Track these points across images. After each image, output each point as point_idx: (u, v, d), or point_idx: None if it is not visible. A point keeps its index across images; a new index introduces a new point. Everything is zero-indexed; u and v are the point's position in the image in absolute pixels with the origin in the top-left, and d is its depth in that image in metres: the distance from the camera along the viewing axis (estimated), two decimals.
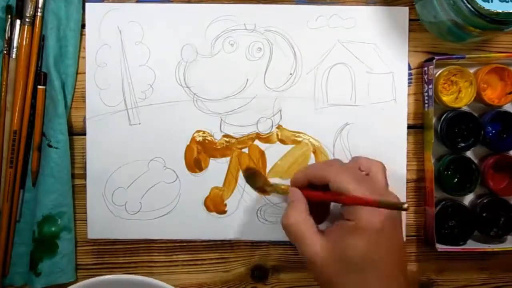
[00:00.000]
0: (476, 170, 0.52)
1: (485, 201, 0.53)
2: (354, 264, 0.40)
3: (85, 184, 0.54)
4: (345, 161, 0.51)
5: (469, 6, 0.44)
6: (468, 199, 0.55)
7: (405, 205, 0.37)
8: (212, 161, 0.54)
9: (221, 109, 0.54)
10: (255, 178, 0.51)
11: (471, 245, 0.53)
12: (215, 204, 0.54)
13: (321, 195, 0.44)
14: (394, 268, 0.42)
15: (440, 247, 0.52)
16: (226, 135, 0.54)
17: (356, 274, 0.40)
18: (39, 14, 0.52)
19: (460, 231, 0.53)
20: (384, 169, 0.47)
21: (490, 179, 0.53)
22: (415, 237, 0.55)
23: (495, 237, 0.53)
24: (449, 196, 0.54)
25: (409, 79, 0.54)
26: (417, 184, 0.55)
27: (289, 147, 0.54)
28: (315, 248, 0.41)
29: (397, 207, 0.39)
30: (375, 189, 0.43)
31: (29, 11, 0.52)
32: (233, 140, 0.54)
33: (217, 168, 0.54)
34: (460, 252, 0.54)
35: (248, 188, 0.53)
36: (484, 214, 0.53)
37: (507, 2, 0.43)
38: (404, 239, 0.54)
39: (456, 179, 0.54)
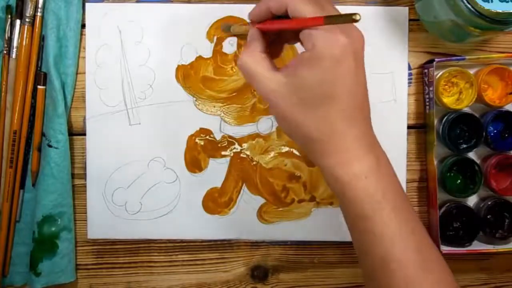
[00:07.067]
0: (479, 171, 0.52)
1: (489, 203, 0.53)
2: (310, 97, 0.36)
3: (85, 184, 0.54)
4: None
5: (469, 6, 0.44)
6: (472, 201, 0.55)
7: (357, 16, 0.32)
8: (211, 161, 0.54)
9: (221, 109, 0.54)
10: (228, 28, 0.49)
11: (476, 245, 0.54)
12: (215, 204, 0.54)
13: (276, 22, 0.39)
14: (357, 111, 0.38)
15: (444, 249, 0.52)
16: (226, 135, 0.54)
17: (314, 109, 0.36)
18: (39, 14, 0.52)
19: (465, 232, 0.53)
20: None
21: (493, 179, 0.53)
22: None
23: (500, 238, 0.53)
24: (452, 197, 0.54)
25: (409, 79, 0.54)
26: (419, 184, 0.55)
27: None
28: (270, 85, 0.37)
29: (347, 18, 0.33)
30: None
31: (29, 11, 0.52)
32: (233, 140, 0.54)
33: (217, 168, 0.54)
34: (464, 253, 0.54)
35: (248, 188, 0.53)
36: (489, 216, 0.53)
37: (507, 2, 0.43)
38: None
39: (459, 181, 0.54)
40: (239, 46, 0.54)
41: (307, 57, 0.36)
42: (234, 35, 0.49)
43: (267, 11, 0.39)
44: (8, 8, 0.52)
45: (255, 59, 0.39)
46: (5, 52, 0.52)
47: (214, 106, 0.54)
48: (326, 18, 0.34)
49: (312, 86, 0.36)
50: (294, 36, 0.40)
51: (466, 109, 0.53)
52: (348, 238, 0.54)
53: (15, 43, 0.52)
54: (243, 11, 0.53)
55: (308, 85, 0.36)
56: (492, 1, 0.43)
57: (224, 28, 0.50)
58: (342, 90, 0.36)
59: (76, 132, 0.54)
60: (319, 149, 0.38)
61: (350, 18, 0.33)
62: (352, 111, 0.37)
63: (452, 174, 0.54)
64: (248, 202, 0.54)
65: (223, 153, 0.54)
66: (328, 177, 0.39)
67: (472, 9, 0.44)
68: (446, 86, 0.53)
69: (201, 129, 0.54)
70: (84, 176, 0.54)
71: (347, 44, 0.36)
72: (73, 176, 0.54)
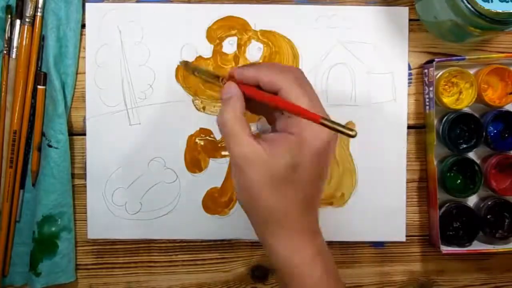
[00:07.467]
0: (479, 171, 0.52)
1: (489, 203, 0.53)
2: (282, 177, 0.37)
3: (85, 184, 0.54)
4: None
5: (469, 6, 0.44)
6: (472, 201, 0.55)
7: (353, 133, 0.34)
8: (211, 161, 0.54)
9: None
10: (190, 67, 0.47)
11: (476, 245, 0.54)
12: (215, 204, 0.54)
13: (269, 97, 0.38)
14: (315, 196, 0.40)
15: (444, 249, 0.52)
16: None
17: (280, 189, 0.37)
18: (39, 14, 0.52)
19: (465, 232, 0.53)
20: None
21: (493, 179, 0.53)
22: (417, 237, 0.55)
23: (500, 238, 0.53)
24: (452, 197, 0.54)
25: (409, 79, 0.54)
26: (419, 184, 0.55)
27: None
28: (246, 152, 0.37)
29: (342, 130, 0.34)
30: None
31: (29, 11, 0.52)
32: None
33: (217, 168, 0.54)
34: (464, 253, 0.54)
35: None
36: (489, 216, 0.53)
37: (507, 2, 0.43)
38: (404, 238, 0.54)
39: (459, 181, 0.54)
40: (239, 46, 0.54)
41: (292, 141, 0.37)
42: (194, 74, 0.47)
43: (254, 81, 0.39)
44: (8, 8, 0.52)
45: (237, 119, 0.38)
46: (5, 52, 0.52)
47: (214, 106, 0.54)
48: (324, 120, 0.35)
49: (289, 169, 0.37)
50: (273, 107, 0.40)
51: (466, 109, 0.53)
52: (348, 238, 0.54)
53: (15, 43, 0.52)
54: (243, 11, 0.53)
55: (285, 167, 0.36)
56: (492, 1, 0.43)
57: (183, 65, 0.47)
58: (311, 179, 0.38)
59: (76, 132, 0.54)
60: (272, 228, 0.38)
61: (346, 132, 0.34)
62: (310, 200, 0.39)
63: (452, 174, 0.54)
64: None
65: (223, 153, 0.54)
66: (274, 255, 0.39)
67: (472, 9, 0.44)
68: (446, 86, 0.53)
69: (201, 129, 0.54)
70: (84, 176, 0.54)
71: (331, 140, 0.37)
72: (73, 176, 0.54)
